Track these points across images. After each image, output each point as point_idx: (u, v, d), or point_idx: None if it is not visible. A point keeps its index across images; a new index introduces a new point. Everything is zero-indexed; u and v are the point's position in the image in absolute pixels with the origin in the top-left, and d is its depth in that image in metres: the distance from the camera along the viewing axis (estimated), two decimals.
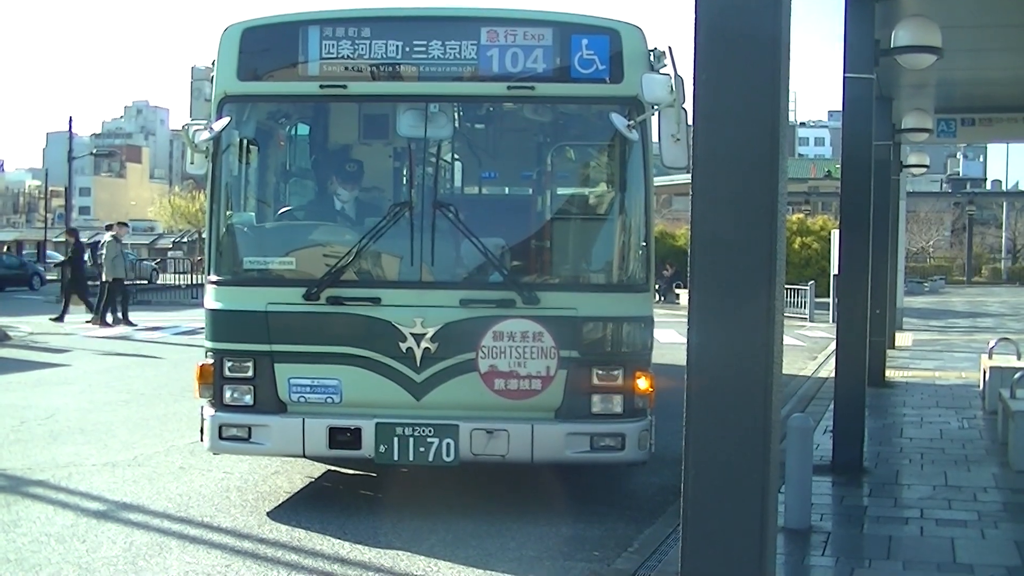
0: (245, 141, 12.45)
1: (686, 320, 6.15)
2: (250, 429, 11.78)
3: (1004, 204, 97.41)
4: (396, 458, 11.48)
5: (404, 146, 12.36)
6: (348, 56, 11.88)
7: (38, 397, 20.18)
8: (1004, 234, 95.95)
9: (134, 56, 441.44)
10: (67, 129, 75.04)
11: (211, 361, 11.91)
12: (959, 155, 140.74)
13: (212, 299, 12.11)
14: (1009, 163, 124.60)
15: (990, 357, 19.31)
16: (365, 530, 11.28)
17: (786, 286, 42.08)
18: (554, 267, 12.44)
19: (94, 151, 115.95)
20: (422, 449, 11.41)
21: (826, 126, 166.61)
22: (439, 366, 11.52)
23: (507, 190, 14.85)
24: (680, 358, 6.02)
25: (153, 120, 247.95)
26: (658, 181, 61.01)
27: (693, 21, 5.95)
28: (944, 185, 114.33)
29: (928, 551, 10.21)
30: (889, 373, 23.02)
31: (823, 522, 11.16)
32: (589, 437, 11.48)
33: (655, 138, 11.54)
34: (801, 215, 62.44)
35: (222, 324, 12.08)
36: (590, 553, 10.65)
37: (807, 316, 42.38)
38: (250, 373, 11.81)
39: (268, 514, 11.80)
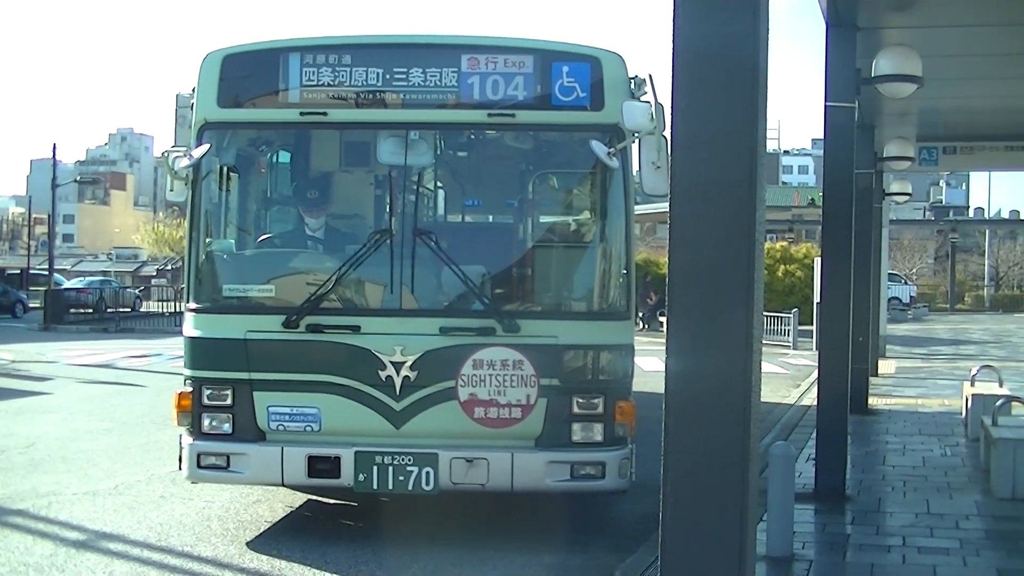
0: (225, 168, 12.39)
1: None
2: (228, 457, 11.70)
3: (987, 231, 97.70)
4: (376, 487, 11.40)
5: (385, 173, 12.24)
6: (329, 83, 11.86)
7: (19, 425, 20.14)
8: (987, 261, 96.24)
9: (119, 83, 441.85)
10: (51, 156, 74.96)
11: (190, 389, 11.83)
12: (942, 183, 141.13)
13: (191, 327, 12.03)
14: (991, 191, 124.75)
15: (972, 384, 19.35)
16: (346, 559, 11.27)
17: (770, 314, 42.27)
18: (534, 295, 12.39)
19: (78, 178, 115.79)
20: (401, 478, 11.32)
21: (809, 154, 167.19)
22: (419, 394, 11.45)
23: (488, 218, 14.68)
24: (663, 386, 6.00)
25: (138, 147, 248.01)
26: (642, 209, 61.18)
27: (671, 48, 5.95)
28: (927, 213, 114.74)
29: None
30: (872, 401, 23.06)
31: (805, 550, 11.15)
32: (569, 465, 11.42)
33: (636, 166, 11.59)
34: (785, 243, 62.57)
35: (201, 352, 11.98)
36: None
37: (791, 344, 42.47)
38: (229, 401, 11.73)
39: (248, 544, 11.78)
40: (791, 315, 43.53)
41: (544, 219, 13.80)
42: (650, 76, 11.22)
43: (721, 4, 5.96)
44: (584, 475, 11.42)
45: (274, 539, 11.99)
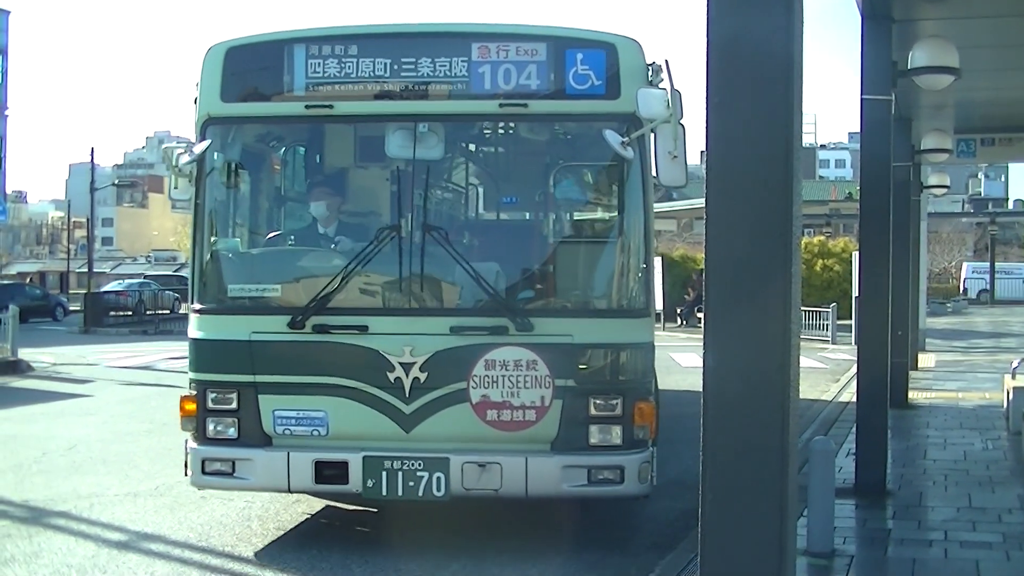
0: (229, 164, 12.14)
1: None
2: (234, 463, 11.39)
3: None
4: (385, 493, 11.04)
5: (393, 168, 11.80)
6: (335, 75, 11.52)
7: (60, 428, 20.23)
8: None
9: (156, 87, 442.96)
10: (89, 160, 75.13)
11: (194, 393, 11.56)
12: (980, 175, 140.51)
13: (195, 328, 11.75)
14: None
15: (1013, 377, 19.22)
16: (389, 558, 11.25)
17: (808, 308, 42.07)
18: (548, 292, 11.88)
19: (116, 182, 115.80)
20: (411, 483, 10.95)
21: (846, 148, 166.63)
22: (429, 397, 11.08)
23: (500, 212, 14.45)
24: (699, 383, 5.97)
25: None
26: (679, 205, 61.11)
27: (705, 43, 5.93)
28: (966, 205, 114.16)
29: (952, 573, 10.19)
30: (912, 394, 22.90)
31: (846, 545, 11.09)
32: (587, 470, 11.00)
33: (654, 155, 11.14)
34: (822, 237, 62.21)
35: (205, 354, 11.72)
36: None
37: (829, 338, 42.27)
38: (234, 405, 11.40)
39: (289, 544, 11.77)
40: (829, 310, 43.29)
41: (558, 213, 13.45)
42: (667, 62, 10.84)
43: None
44: (602, 480, 11.01)
45: (315, 539, 12.03)
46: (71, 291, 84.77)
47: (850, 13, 14.54)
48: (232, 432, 11.39)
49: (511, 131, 12.49)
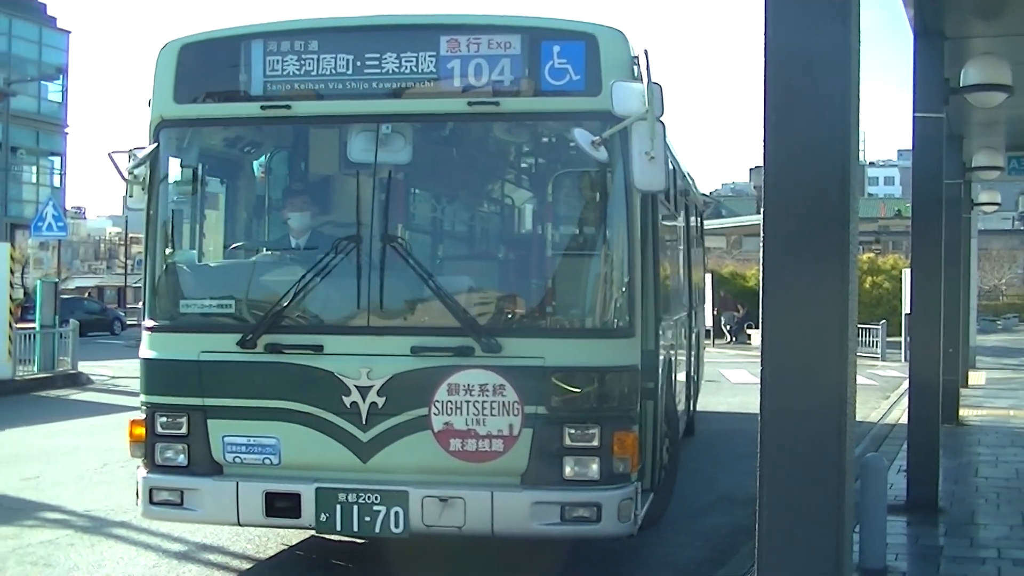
0: (182, 170, 11.23)
1: (758, 360, 6.12)
2: (182, 493, 10.50)
3: None
4: (339, 528, 10.13)
5: (354, 173, 10.69)
6: (294, 73, 10.54)
7: (119, 440, 20.24)
8: None
9: None
10: None
11: (143, 417, 10.73)
12: None
13: (145, 347, 10.89)
14: None
15: None
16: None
17: (858, 325, 42.21)
18: (519, 310, 10.67)
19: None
20: (368, 518, 9.95)
21: (895, 165, 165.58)
22: (387, 423, 10.04)
23: (468, 222, 13.21)
24: (749, 400, 5.94)
25: None
26: (729, 222, 61.12)
27: (763, 61, 5.93)
28: (1016, 222, 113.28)
29: None
30: (963, 412, 22.75)
31: (898, 562, 11.02)
32: (559, 507, 9.84)
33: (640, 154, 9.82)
34: (872, 254, 62.00)
35: (154, 375, 10.80)
36: None
37: (879, 355, 42.17)
38: (183, 430, 10.51)
39: (343, 556, 11.75)
40: (879, 327, 43.23)
41: (532, 222, 12.71)
42: (645, 52, 9.50)
43: (812, 15, 5.94)
44: (577, 518, 9.85)
45: (360, 555, 11.96)
46: (128, 305, 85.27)
47: (901, 31, 14.52)
48: (182, 459, 10.55)
49: (482, 132, 11.32)
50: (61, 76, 76.56)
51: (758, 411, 6.04)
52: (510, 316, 10.48)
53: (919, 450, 13.76)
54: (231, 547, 12.14)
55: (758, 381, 6.11)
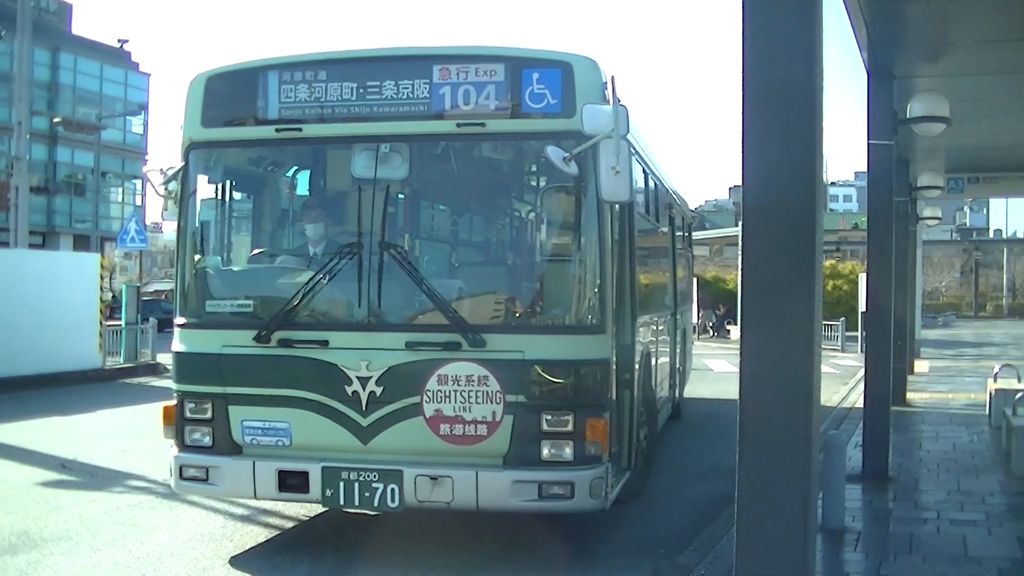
0: (209, 186, 11.24)
1: (738, 352, 6.11)
2: (207, 470, 10.45)
3: (1005, 250, 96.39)
4: (343, 503, 10.00)
5: (358, 188, 10.48)
6: (305, 100, 10.44)
7: None
8: (1005, 275, 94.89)
9: None
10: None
11: (174, 403, 10.68)
12: (966, 208, 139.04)
13: (177, 341, 10.84)
14: (1009, 214, 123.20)
15: (995, 380, 19.10)
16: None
17: (822, 322, 42.29)
18: (502, 309, 10.39)
19: None
20: (367, 494, 9.87)
21: (852, 185, 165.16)
22: (385, 410, 9.92)
23: (457, 230, 12.84)
24: (729, 387, 5.93)
25: None
26: (712, 233, 61.00)
27: (741, 93, 5.92)
28: (954, 234, 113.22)
29: (944, 546, 10.07)
30: (910, 395, 22.76)
31: (855, 523, 11.00)
32: (537, 485, 9.69)
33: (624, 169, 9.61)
34: (833, 261, 61.86)
35: (183, 366, 10.78)
36: (657, 550, 10.55)
37: (839, 347, 42.23)
38: (208, 415, 10.47)
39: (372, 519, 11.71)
40: (839, 323, 43.32)
41: (513, 230, 12.54)
42: (612, 79, 9.44)
43: (783, 55, 5.94)
44: (552, 495, 9.69)
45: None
46: None
47: (857, 70, 14.49)
48: (207, 440, 10.49)
49: (470, 150, 10.95)
50: (143, 112, 76.80)
51: (737, 396, 6.03)
52: (493, 315, 10.25)
53: (873, 428, 13.79)
54: (284, 511, 12.11)
55: (737, 370, 6.09)
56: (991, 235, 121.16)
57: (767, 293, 5.98)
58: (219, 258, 11.65)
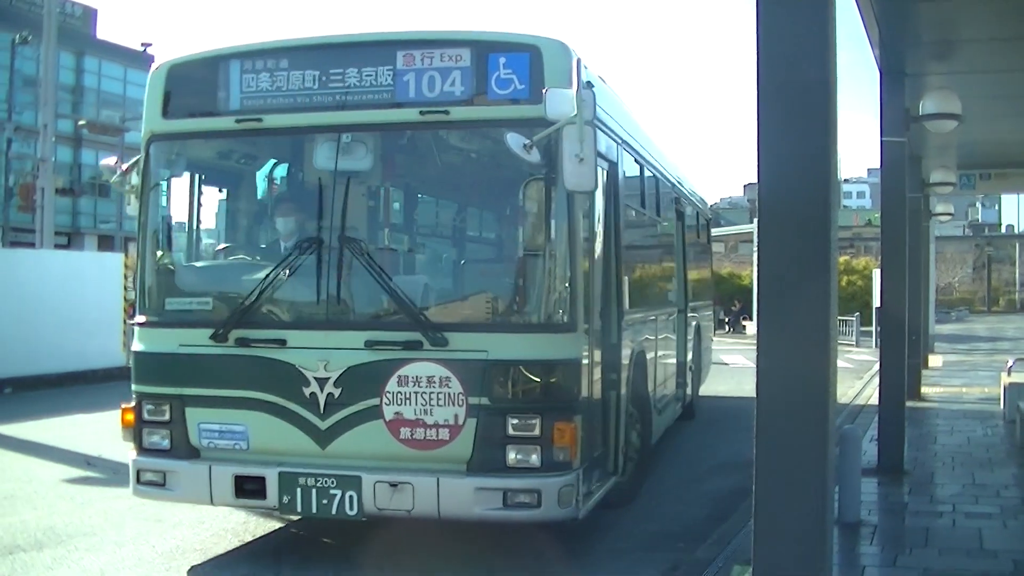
0: (169, 180, 10.68)
1: (754, 348, 6.10)
2: (164, 475, 9.95)
3: (1017, 245, 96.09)
4: (300, 510, 9.48)
5: (320, 180, 9.97)
6: (266, 89, 9.92)
7: None
8: (1017, 270, 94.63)
9: None
10: None
11: (133, 404, 10.15)
12: (978, 204, 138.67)
13: (136, 340, 10.32)
14: (1020, 210, 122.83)
15: (1008, 374, 19.04)
16: None
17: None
18: (465, 306, 9.89)
19: None
20: (325, 501, 9.32)
21: (866, 182, 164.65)
22: (343, 413, 9.38)
23: (421, 223, 12.00)
24: (745, 380, 5.92)
25: None
26: (727, 230, 60.90)
27: (756, 92, 5.91)
28: (966, 230, 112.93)
29: (959, 539, 10.04)
30: (924, 389, 22.70)
31: (871, 516, 10.98)
32: (502, 492, 9.10)
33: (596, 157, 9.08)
34: (847, 257, 61.74)
35: (141, 366, 10.20)
36: (675, 544, 10.54)
37: (854, 342, 42.16)
38: (166, 417, 9.94)
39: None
40: (853, 318, 43.20)
41: (479, 223, 12.06)
42: (578, 61, 8.97)
43: (798, 56, 5.92)
44: (518, 504, 9.09)
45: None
46: None
47: (870, 69, 14.48)
48: (165, 444, 9.98)
49: (435, 140, 10.29)
50: None
51: (754, 391, 6.02)
52: (456, 312, 9.72)
53: (888, 422, 13.75)
54: None
55: (753, 365, 6.08)
56: (1003, 230, 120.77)
57: (783, 290, 5.97)
58: (180, 254, 11.15)
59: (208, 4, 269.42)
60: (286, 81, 9.89)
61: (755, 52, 5.97)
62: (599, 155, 9.96)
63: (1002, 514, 11.11)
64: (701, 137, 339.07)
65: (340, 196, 9.75)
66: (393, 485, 9.19)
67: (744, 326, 50.18)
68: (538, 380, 9.25)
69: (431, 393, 9.17)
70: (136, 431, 10.12)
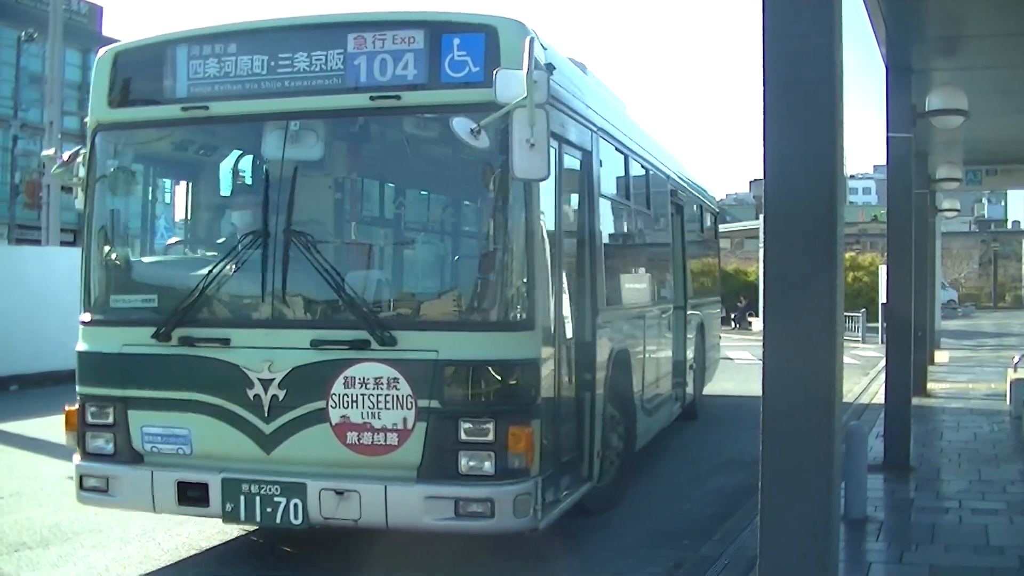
0: (115, 171, 10.10)
1: (760, 344, 6.09)
2: (108, 480, 9.48)
3: (1023, 241, 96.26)
4: (243, 518, 9.00)
5: (268, 170, 9.55)
6: (214, 75, 9.38)
7: None
8: (1023, 266, 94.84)
9: None
10: None
11: (76, 407, 9.71)
12: (984, 200, 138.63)
13: (80, 340, 9.87)
14: None
15: (1015, 370, 19.01)
16: None
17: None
18: (415, 303, 9.41)
19: None
20: (269, 509, 8.81)
21: (871, 178, 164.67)
22: (288, 416, 8.88)
23: (370, 216, 11.37)
24: (751, 376, 5.92)
25: None
26: (733, 227, 60.83)
27: (762, 90, 5.90)
28: (972, 226, 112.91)
29: (966, 536, 10.02)
30: (930, 385, 22.67)
31: (877, 512, 10.96)
32: (453, 502, 8.56)
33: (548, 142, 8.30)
34: (852, 253, 61.80)
35: (84, 367, 9.75)
36: (679, 542, 10.53)
37: (860, 338, 42.03)
38: (110, 420, 9.47)
39: None
40: (859, 314, 43.10)
41: (432, 215, 11.62)
42: (530, 40, 8.12)
43: (803, 52, 5.91)
44: (471, 513, 8.55)
45: None
46: None
47: (876, 65, 14.50)
48: (109, 448, 9.51)
49: (386, 126, 9.77)
50: None
51: (760, 388, 6.01)
52: (406, 310, 9.27)
53: (894, 418, 13.73)
54: None
55: (759, 361, 6.08)
56: (1009, 226, 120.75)
57: (789, 286, 5.96)
58: (127, 249, 10.44)
59: (212, 2, 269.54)
60: (234, 66, 9.36)
61: (761, 49, 5.96)
62: (570, 144, 9.89)
63: (1008, 510, 11.09)
64: (707, 134, 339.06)
65: (287, 187, 9.27)
66: (339, 493, 8.73)
67: (750, 322, 50.18)
68: (492, 382, 8.76)
69: (378, 395, 8.69)
70: (80, 435, 9.67)
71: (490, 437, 8.55)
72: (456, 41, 8.77)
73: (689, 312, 17.83)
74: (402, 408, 8.61)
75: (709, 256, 22.62)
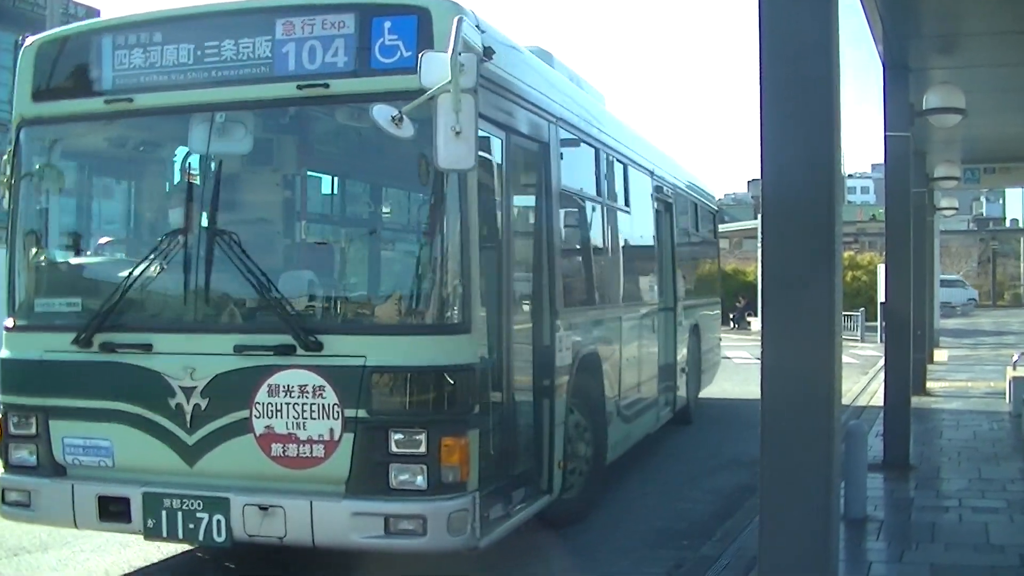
0: (40, 169, 9.46)
1: (759, 343, 6.10)
2: (29, 494, 8.95)
3: (1021, 239, 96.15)
4: (165, 535, 8.42)
5: (193, 165, 9.19)
6: (139, 66, 8.83)
7: None
8: (1022, 264, 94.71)
9: None
10: None
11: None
12: (983, 198, 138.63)
13: (3, 346, 9.37)
14: None
15: (1014, 368, 18.99)
16: None
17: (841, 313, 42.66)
18: (343, 304, 8.95)
19: None
20: (191, 525, 8.27)
21: (870, 177, 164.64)
22: (211, 426, 8.33)
23: (296, 213, 10.50)
24: (750, 376, 5.93)
25: None
26: (731, 227, 60.77)
27: (759, 89, 5.91)
28: (971, 224, 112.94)
29: (966, 534, 10.03)
30: (929, 384, 22.67)
31: (877, 512, 10.96)
32: (383, 519, 7.98)
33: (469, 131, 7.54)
34: (851, 252, 61.74)
35: (7, 375, 9.22)
36: (679, 542, 10.53)
37: (859, 337, 42.11)
38: (32, 430, 8.96)
39: None
40: (858, 314, 43.18)
41: (361, 212, 11.08)
42: (458, 20, 7.46)
43: (800, 51, 5.92)
44: (401, 531, 7.96)
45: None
46: None
47: (873, 64, 14.48)
48: (32, 460, 9.00)
49: (316, 117, 9.30)
50: None
51: (759, 388, 6.01)
52: (333, 312, 8.81)
53: (893, 417, 13.73)
54: None
55: (758, 361, 6.09)
56: (1008, 224, 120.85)
57: (788, 286, 5.97)
58: (52, 251, 9.86)
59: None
60: (160, 56, 8.80)
61: (758, 48, 5.97)
62: (519, 134, 9.45)
63: (1009, 508, 11.10)
64: (705, 133, 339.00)
65: (212, 183, 8.86)
66: (263, 508, 8.17)
67: (749, 322, 50.15)
68: (423, 389, 8.14)
69: (304, 404, 8.12)
70: (3, 446, 9.18)
71: (422, 449, 7.99)
72: (387, 24, 8.20)
73: (680, 313, 17.13)
74: (328, 418, 8.08)
75: (706, 256, 22.04)
